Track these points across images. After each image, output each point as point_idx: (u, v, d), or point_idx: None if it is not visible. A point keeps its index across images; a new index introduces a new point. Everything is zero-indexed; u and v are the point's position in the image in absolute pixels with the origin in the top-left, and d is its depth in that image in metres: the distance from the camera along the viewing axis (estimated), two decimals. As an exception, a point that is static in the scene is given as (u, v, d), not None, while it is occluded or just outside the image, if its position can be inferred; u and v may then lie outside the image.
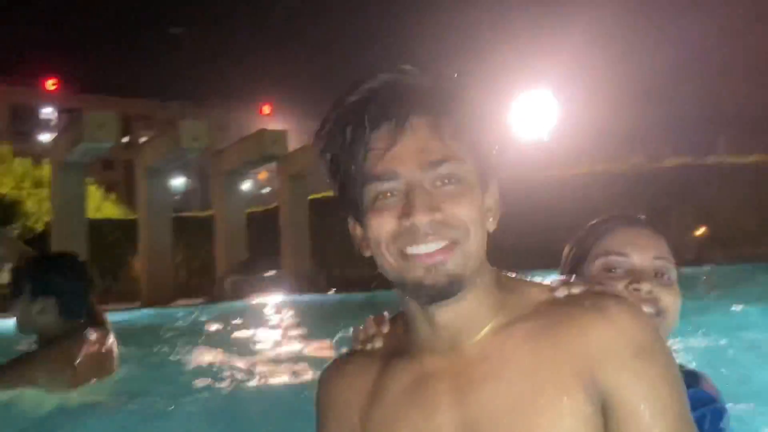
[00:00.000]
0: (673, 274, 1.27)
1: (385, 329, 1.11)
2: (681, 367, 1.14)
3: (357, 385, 1.04)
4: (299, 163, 17.96)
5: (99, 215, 32.83)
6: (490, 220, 0.99)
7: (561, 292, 0.98)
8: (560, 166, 18.58)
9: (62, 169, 17.61)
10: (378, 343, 1.09)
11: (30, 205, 25.07)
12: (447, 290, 0.92)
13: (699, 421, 1.06)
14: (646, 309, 1.17)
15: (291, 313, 8.94)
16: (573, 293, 0.98)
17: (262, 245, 19.44)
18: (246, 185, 31.10)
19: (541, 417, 0.88)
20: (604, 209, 1.48)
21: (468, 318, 0.96)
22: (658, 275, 1.24)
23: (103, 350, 2.40)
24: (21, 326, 2.19)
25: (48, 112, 47.18)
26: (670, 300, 1.22)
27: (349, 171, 0.94)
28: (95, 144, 16.71)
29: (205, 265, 20.14)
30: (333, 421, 1.06)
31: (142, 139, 21.04)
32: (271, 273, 16.74)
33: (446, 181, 0.92)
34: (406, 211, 0.90)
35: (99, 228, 22.33)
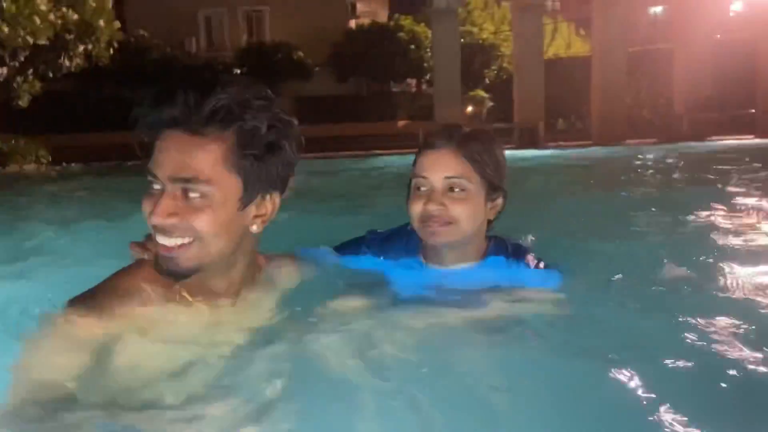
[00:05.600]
0: (470, 186, 1.50)
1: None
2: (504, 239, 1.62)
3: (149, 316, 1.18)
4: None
5: (568, 52, 33.30)
6: (254, 226, 1.23)
7: None
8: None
9: (521, 9, 18.25)
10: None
11: (505, 48, 26.89)
12: None
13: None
14: (439, 228, 1.51)
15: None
16: None
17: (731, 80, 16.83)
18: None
19: None
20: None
21: None
22: (451, 190, 1.51)
23: None
24: None
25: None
26: (460, 211, 1.50)
27: None
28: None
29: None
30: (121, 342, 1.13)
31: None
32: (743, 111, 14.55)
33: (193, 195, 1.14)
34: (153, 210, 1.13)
35: (554, 66, 22.75)
